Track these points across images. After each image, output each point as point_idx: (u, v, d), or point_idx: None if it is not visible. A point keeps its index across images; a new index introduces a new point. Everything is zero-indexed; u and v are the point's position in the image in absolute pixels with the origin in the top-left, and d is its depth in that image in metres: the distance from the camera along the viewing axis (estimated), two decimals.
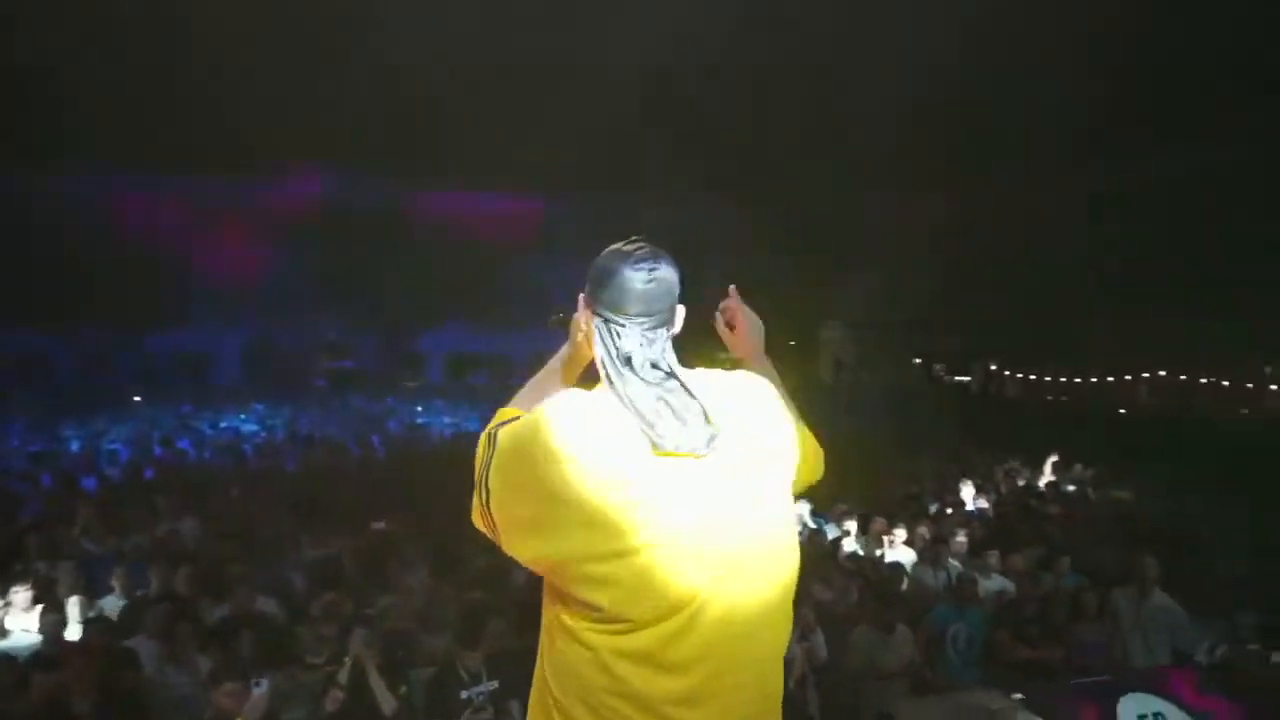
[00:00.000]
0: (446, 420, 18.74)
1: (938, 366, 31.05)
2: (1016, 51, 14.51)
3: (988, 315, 25.54)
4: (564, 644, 1.42)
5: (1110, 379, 31.09)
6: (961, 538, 7.07)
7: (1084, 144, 19.24)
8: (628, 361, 1.47)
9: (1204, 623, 5.60)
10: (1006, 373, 32.01)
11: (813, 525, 8.12)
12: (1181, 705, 3.14)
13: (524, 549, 1.45)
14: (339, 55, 16.02)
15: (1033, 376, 32.05)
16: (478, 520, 1.52)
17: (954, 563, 6.68)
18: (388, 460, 13.09)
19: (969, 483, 10.09)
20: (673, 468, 1.40)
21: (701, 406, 1.43)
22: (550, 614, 1.47)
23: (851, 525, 7.92)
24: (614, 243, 1.56)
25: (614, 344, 1.49)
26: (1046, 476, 10.98)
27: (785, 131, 18.48)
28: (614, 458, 1.38)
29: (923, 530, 7.53)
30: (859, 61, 15.17)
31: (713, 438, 1.41)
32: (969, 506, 9.37)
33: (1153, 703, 3.20)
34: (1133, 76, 14.89)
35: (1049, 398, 30.92)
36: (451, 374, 29.71)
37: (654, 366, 1.47)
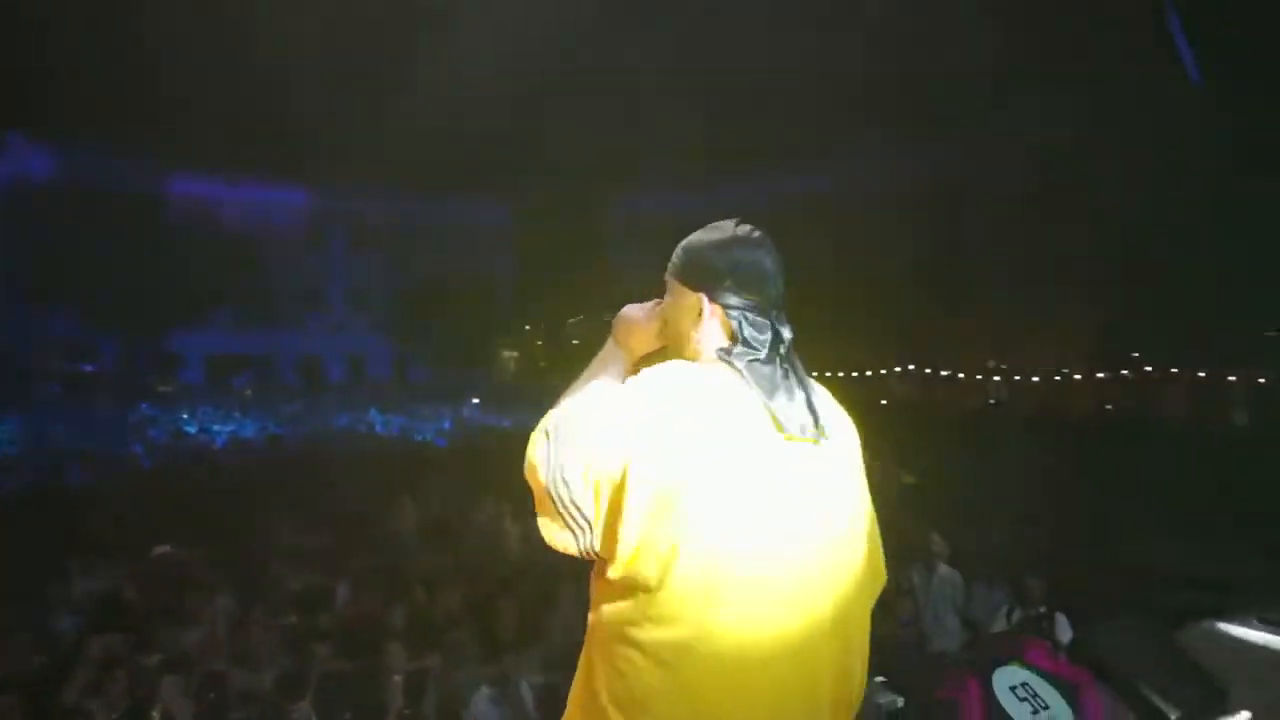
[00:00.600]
0: (221, 428, 17.03)
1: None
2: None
3: None
4: (638, 666, 1.28)
5: (869, 373, 33.60)
6: None
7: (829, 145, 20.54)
8: (771, 348, 1.43)
9: (992, 591, 6.17)
10: None
11: None
12: (1042, 673, 3.32)
13: (642, 535, 1.28)
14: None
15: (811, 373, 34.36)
16: (556, 536, 1.37)
17: None
18: (158, 474, 11.66)
19: None
20: (796, 450, 1.38)
21: (807, 395, 1.43)
22: (620, 634, 1.31)
23: None
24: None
25: (755, 334, 1.44)
26: None
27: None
28: (753, 426, 1.35)
29: None
30: None
31: (825, 425, 1.42)
32: None
33: (1019, 673, 3.31)
34: (859, 82, 15.83)
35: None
36: (213, 376, 27.19)
37: (788, 352, 1.46)
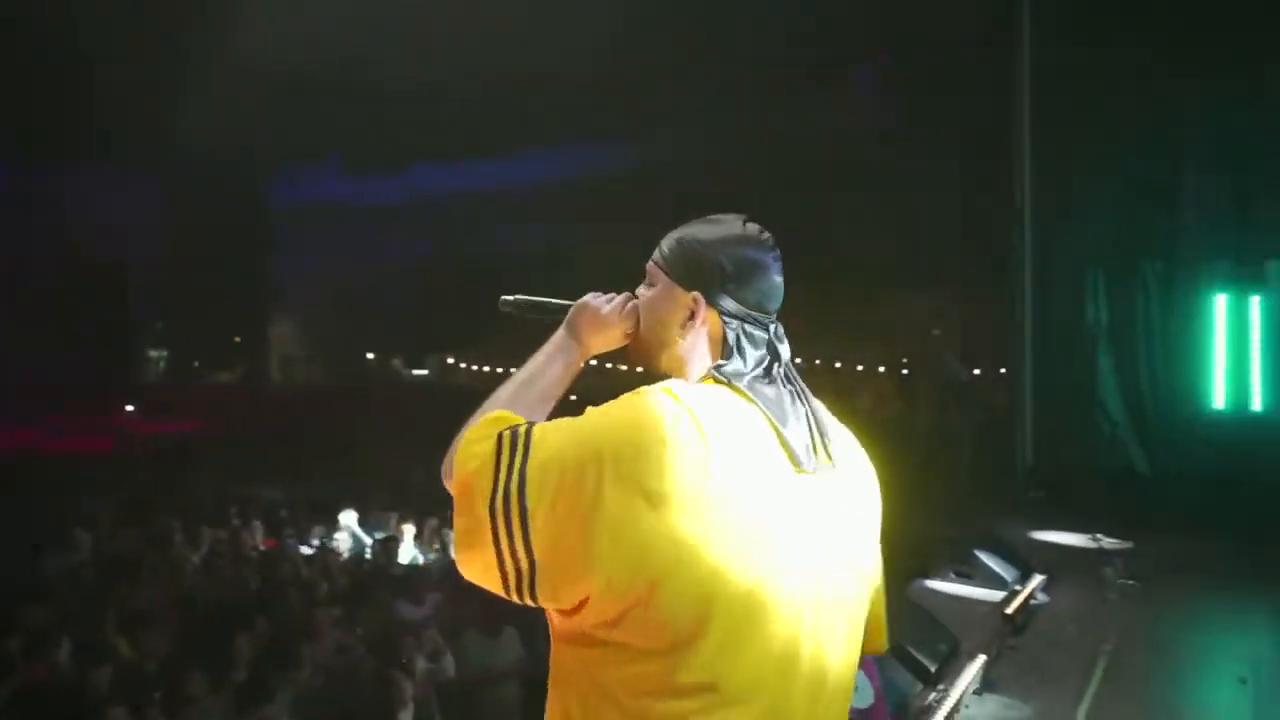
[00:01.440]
0: None
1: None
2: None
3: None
4: None
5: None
6: None
7: None
8: (766, 366, 1.25)
9: None
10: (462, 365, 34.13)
11: (365, 536, 7.69)
12: None
13: (597, 582, 1.06)
14: None
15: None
16: (484, 570, 1.12)
17: None
18: None
19: None
20: (809, 486, 1.19)
21: (816, 421, 1.25)
22: (596, 690, 1.11)
23: (408, 528, 7.57)
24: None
25: (751, 349, 1.25)
26: None
27: None
28: (759, 457, 1.15)
29: None
30: None
31: (836, 457, 1.25)
32: None
33: None
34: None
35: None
36: None
37: (787, 370, 1.27)
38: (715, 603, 1.06)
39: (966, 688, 3.47)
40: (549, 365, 1.35)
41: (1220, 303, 8.56)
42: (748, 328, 1.25)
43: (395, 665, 4.64)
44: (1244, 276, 8.56)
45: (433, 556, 7.25)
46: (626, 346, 1.38)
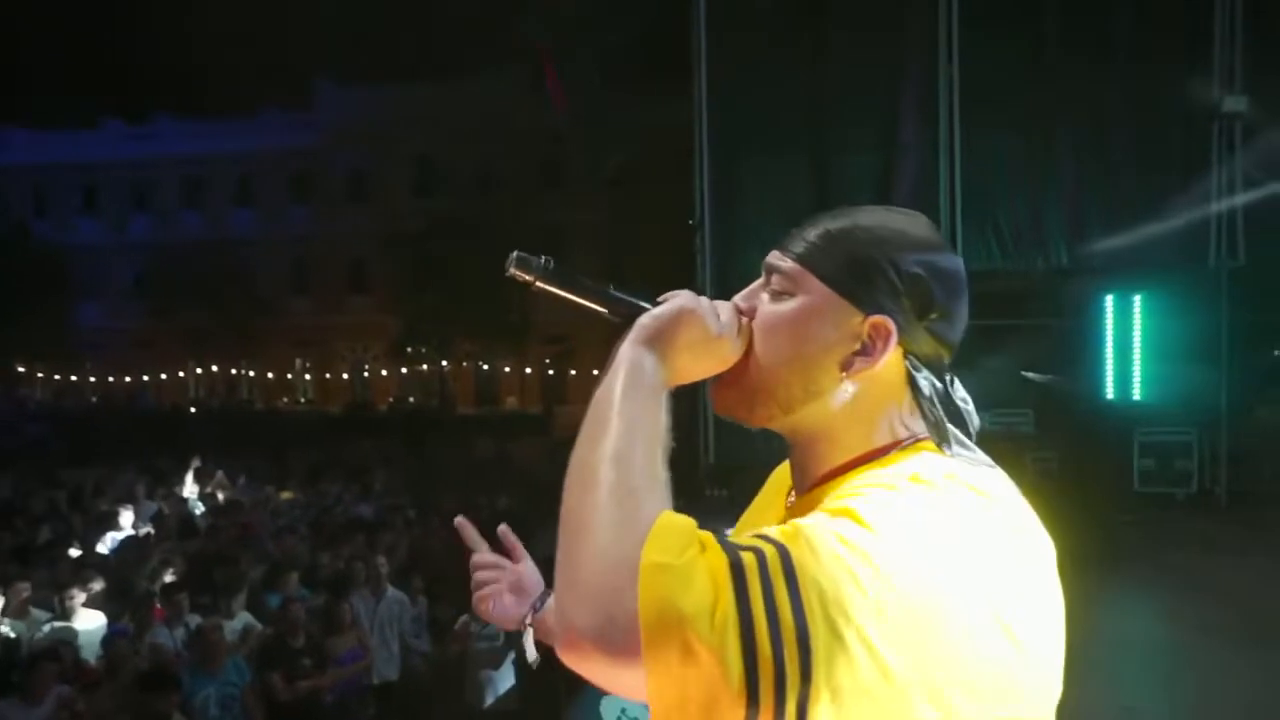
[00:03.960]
0: None
1: None
2: None
3: None
4: None
5: (164, 376, 32.86)
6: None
7: None
8: (963, 426, 0.85)
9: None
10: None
11: None
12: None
13: None
14: None
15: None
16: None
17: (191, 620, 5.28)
18: None
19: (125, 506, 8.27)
20: None
21: None
22: None
23: None
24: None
25: (948, 403, 0.85)
26: (190, 488, 9.94)
27: None
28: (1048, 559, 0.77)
29: (95, 586, 5.50)
30: None
31: None
32: (128, 533, 7.56)
33: (620, 701, 3.25)
34: None
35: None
36: None
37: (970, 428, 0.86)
38: None
39: None
40: (650, 405, 0.81)
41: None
42: (930, 378, 0.86)
43: None
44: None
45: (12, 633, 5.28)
46: (716, 381, 0.90)
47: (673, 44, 10.49)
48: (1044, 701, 0.74)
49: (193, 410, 28.04)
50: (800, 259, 0.86)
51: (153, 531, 7.60)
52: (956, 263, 0.86)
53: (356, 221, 32.42)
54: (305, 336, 33.59)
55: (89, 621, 5.20)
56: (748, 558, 0.68)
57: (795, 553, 0.68)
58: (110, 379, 34.26)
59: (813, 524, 0.71)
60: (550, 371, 32.03)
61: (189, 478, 10.19)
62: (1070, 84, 9.64)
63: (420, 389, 32.30)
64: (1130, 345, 10.37)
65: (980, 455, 0.83)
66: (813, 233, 0.87)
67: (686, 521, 0.72)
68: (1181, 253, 9.70)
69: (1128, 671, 5.18)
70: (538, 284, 0.91)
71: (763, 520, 0.95)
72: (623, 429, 0.78)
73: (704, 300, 0.88)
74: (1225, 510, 9.45)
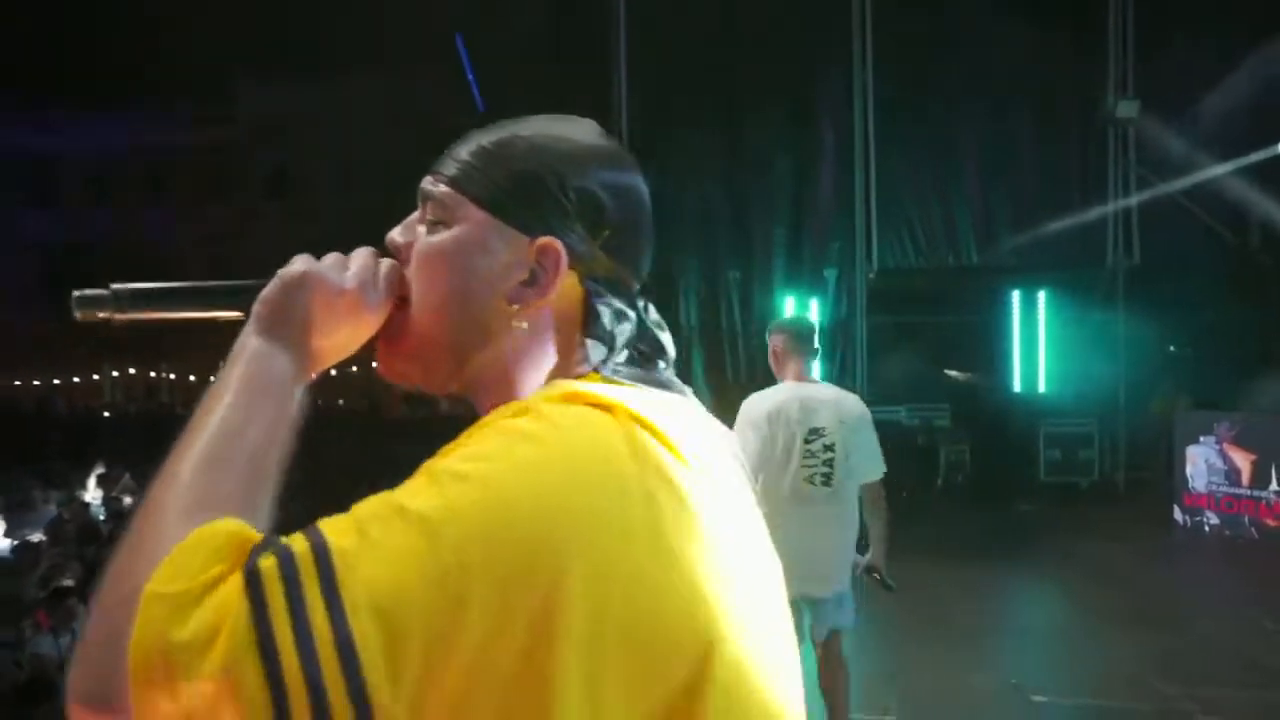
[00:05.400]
0: None
1: None
2: None
3: None
4: None
5: (76, 379, 31.87)
6: None
7: None
8: (663, 354, 0.74)
9: None
10: None
11: None
12: None
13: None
14: None
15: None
16: None
17: None
18: None
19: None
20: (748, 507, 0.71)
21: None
22: None
23: None
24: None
25: (627, 331, 0.72)
26: (94, 493, 9.62)
27: None
28: (726, 474, 0.67)
29: None
30: None
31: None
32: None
33: None
34: None
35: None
36: None
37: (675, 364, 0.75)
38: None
39: None
40: (257, 402, 0.66)
41: (789, 304, 9.75)
42: (616, 303, 0.73)
43: None
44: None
45: None
46: (378, 346, 0.76)
47: (589, 35, 10.47)
48: (693, 656, 0.57)
49: (105, 415, 27.05)
50: (453, 182, 0.73)
51: (45, 538, 7.32)
52: (632, 175, 0.75)
53: (277, 220, 31.66)
54: (226, 339, 32.70)
55: None
56: (266, 563, 0.53)
57: (337, 541, 0.54)
58: (17, 383, 32.87)
59: (383, 496, 0.57)
60: None
61: (91, 482, 9.82)
62: (976, 87, 9.96)
63: (349, 392, 31.72)
64: (1035, 340, 10.78)
65: (670, 381, 0.73)
66: (465, 150, 0.74)
67: (227, 531, 0.56)
68: (1083, 252, 10.14)
69: (1021, 652, 5.40)
70: (116, 318, 0.75)
71: None
72: (206, 442, 0.63)
73: (328, 257, 0.74)
74: (1123, 498, 9.89)
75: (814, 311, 9.72)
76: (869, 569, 3.20)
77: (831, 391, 3.16)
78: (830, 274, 10.16)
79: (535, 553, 0.54)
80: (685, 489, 0.60)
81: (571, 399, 0.62)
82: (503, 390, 0.72)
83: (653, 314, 0.75)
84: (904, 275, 10.36)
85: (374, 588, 0.52)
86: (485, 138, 0.74)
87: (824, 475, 2.95)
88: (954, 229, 10.35)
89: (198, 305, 0.79)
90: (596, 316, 0.71)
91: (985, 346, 11.17)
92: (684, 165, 9.83)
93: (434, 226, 0.73)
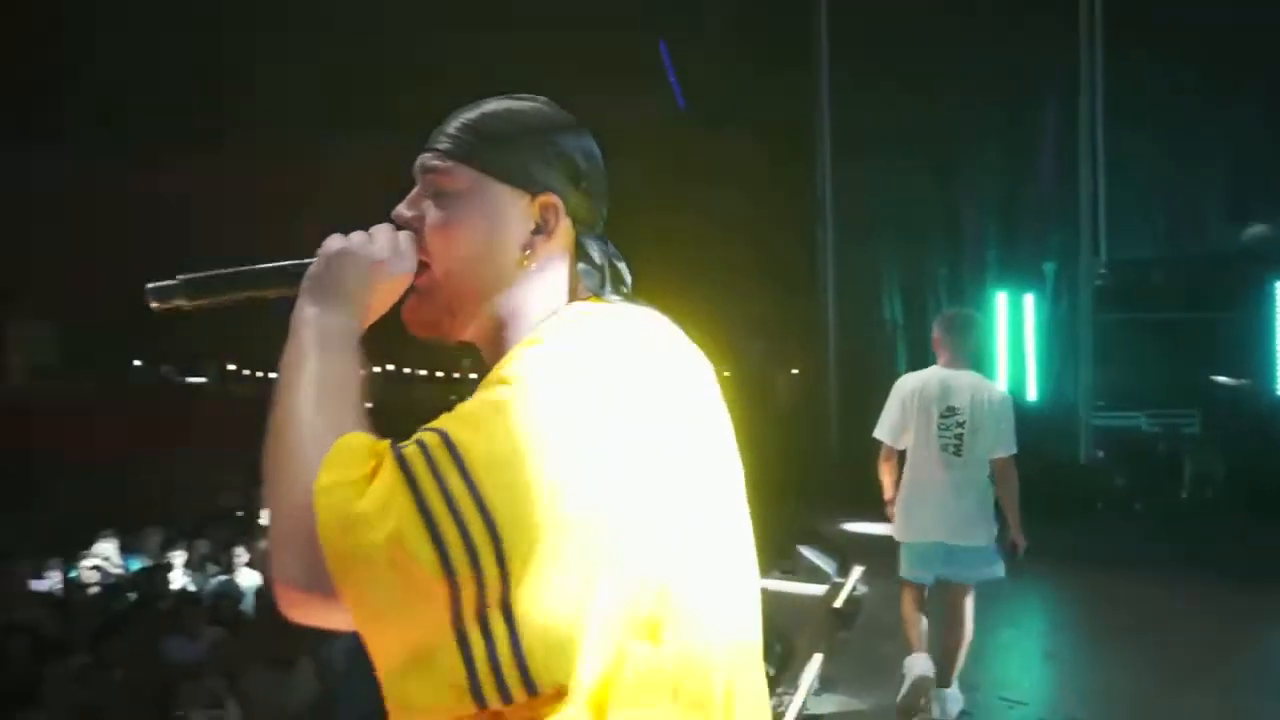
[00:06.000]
0: None
1: (166, 367, 27.72)
2: None
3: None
4: None
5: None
6: None
7: None
8: (621, 280, 0.92)
9: None
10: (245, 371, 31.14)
11: (121, 566, 6.82)
12: None
13: (620, 573, 0.72)
14: None
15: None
16: (427, 686, 0.69)
17: None
18: None
19: None
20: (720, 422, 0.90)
21: None
22: None
23: (178, 555, 6.75)
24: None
25: (606, 267, 0.91)
26: None
27: None
28: (711, 398, 0.88)
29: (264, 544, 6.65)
30: None
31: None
32: None
33: None
34: None
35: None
36: None
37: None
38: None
39: (808, 689, 3.34)
40: (335, 358, 0.84)
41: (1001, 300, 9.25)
42: (594, 241, 0.92)
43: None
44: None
45: (211, 585, 6.38)
46: (409, 302, 0.92)
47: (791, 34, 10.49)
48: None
49: None
50: (454, 155, 0.88)
51: None
52: (590, 138, 0.92)
53: None
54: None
55: None
56: (410, 450, 0.72)
57: (454, 432, 0.72)
58: None
59: (471, 400, 0.76)
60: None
61: None
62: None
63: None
64: None
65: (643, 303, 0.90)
66: (454, 127, 0.90)
67: (364, 439, 0.75)
68: None
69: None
70: (189, 306, 0.89)
71: None
72: (309, 387, 0.80)
73: (354, 235, 0.89)
74: None
75: (1029, 308, 9.14)
76: (1002, 537, 3.59)
77: (971, 378, 3.62)
78: (1049, 268, 9.50)
79: (590, 430, 0.73)
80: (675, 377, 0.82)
81: (588, 313, 0.85)
82: (517, 321, 0.89)
83: (611, 248, 0.94)
84: (1140, 267, 9.49)
85: (490, 462, 0.70)
86: (467, 115, 0.90)
87: (955, 446, 3.50)
88: (1199, 213, 9.36)
89: (256, 286, 0.92)
90: (586, 251, 0.91)
91: (1240, 346, 9.94)
92: (886, 162, 9.57)
93: (442, 197, 0.89)
